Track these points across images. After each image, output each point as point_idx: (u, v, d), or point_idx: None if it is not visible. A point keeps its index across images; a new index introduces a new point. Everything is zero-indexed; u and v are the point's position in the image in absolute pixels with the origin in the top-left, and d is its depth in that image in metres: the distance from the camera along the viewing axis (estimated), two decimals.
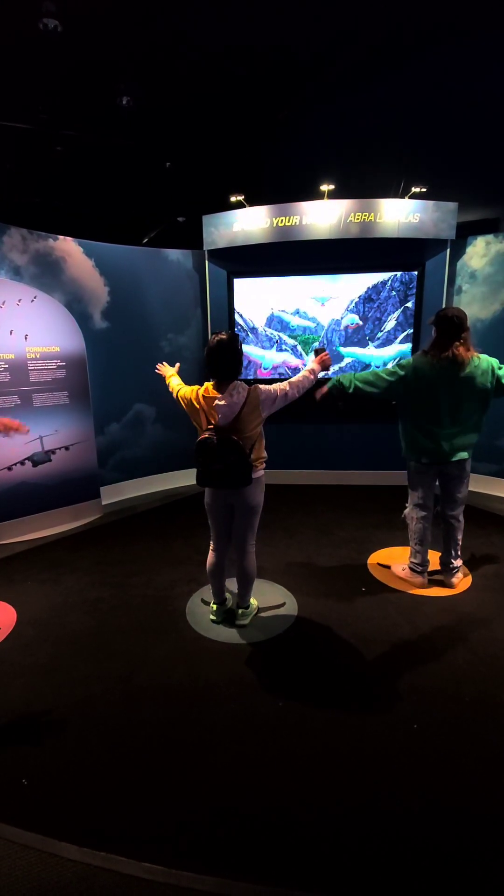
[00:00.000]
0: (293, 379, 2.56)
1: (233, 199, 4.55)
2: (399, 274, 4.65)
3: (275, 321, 4.89)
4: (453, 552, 3.12)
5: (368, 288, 4.72)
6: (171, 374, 2.78)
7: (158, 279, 4.78)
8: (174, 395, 2.65)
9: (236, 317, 4.92)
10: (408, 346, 4.76)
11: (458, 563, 3.14)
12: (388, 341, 4.81)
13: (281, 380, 2.58)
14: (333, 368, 4.82)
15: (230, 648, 2.58)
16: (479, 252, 4.56)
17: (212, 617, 2.82)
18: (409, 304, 4.70)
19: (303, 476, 5.19)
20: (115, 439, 4.77)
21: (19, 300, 3.77)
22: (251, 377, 4.97)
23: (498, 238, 4.46)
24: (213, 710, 2.16)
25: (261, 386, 2.47)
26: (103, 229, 5.61)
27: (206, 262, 4.85)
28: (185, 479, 5.10)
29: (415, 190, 4.43)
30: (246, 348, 4.83)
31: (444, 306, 4.58)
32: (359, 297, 4.76)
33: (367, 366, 4.83)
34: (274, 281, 4.81)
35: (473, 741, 1.97)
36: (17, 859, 1.54)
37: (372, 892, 1.46)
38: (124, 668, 2.44)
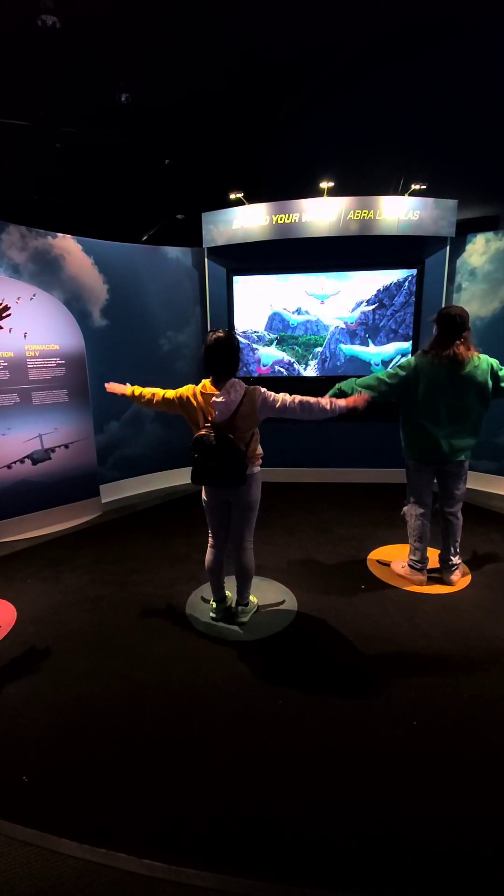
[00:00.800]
0: (306, 398, 2.40)
1: (232, 196, 4.55)
2: (413, 275, 4.59)
3: (276, 320, 4.89)
4: (452, 549, 3.13)
5: (379, 290, 4.65)
6: (129, 389, 2.64)
7: (158, 277, 4.78)
8: (153, 401, 2.55)
9: (236, 324, 4.89)
10: (408, 345, 4.76)
11: (457, 560, 3.15)
12: (387, 339, 4.81)
13: (289, 383, 2.50)
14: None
15: (230, 646, 2.59)
16: (478, 249, 4.56)
17: (211, 614, 2.83)
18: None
19: (302, 474, 5.19)
20: (114, 437, 4.77)
21: (18, 298, 3.76)
22: (254, 375, 4.96)
23: (498, 235, 4.45)
24: (213, 707, 2.17)
25: (261, 388, 2.44)
26: (102, 227, 5.59)
27: (206, 259, 4.84)
28: (185, 477, 4.99)
29: (414, 187, 4.43)
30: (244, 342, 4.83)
31: (443, 304, 4.58)
32: (367, 302, 4.70)
33: (367, 363, 4.83)
34: (274, 279, 4.80)
35: (473, 738, 1.98)
36: (17, 856, 1.54)
37: (372, 888, 1.46)
38: (124, 665, 2.45)
